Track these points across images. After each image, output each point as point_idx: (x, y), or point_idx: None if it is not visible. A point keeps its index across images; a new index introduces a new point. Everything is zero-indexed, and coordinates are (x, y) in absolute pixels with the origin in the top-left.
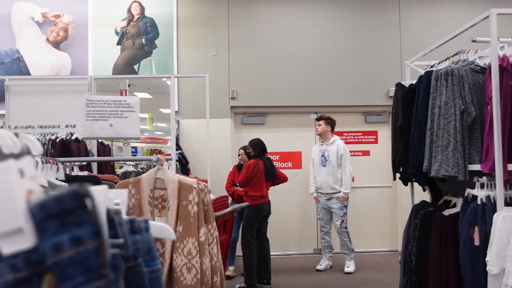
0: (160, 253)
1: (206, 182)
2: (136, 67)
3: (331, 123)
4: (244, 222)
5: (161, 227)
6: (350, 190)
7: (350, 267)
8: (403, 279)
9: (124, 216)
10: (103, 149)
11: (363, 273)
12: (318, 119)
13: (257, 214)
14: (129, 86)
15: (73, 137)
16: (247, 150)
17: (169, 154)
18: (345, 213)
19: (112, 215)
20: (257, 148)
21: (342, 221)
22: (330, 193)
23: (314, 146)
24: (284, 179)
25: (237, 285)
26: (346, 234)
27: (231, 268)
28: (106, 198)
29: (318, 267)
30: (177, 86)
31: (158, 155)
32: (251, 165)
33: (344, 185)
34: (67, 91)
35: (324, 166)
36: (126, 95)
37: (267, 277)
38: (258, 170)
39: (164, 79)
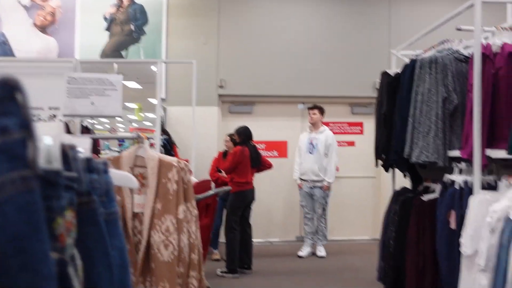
0: (138, 230)
1: (187, 162)
2: (124, 53)
3: (323, 112)
4: (228, 208)
5: (123, 175)
6: (334, 179)
7: (322, 252)
8: (381, 263)
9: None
10: (87, 133)
11: (344, 260)
12: (312, 108)
13: (241, 201)
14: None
15: (55, 119)
16: (233, 137)
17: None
18: (327, 202)
19: (67, 150)
20: (243, 136)
21: (324, 209)
22: (314, 181)
23: (302, 133)
24: (269, 166)
25: (218, 269)
26: (324, 221)
27: (216, 251)
28: (60, 132)
29: (300, 253)
30: (164, 73)
31: (139, 133)
32: (237, 152)
33: (329, 174)
34: (51, 74)
35: (311, 153)
36: None
37: (248, 262)
38: (244, 156)
39: (153, 67)
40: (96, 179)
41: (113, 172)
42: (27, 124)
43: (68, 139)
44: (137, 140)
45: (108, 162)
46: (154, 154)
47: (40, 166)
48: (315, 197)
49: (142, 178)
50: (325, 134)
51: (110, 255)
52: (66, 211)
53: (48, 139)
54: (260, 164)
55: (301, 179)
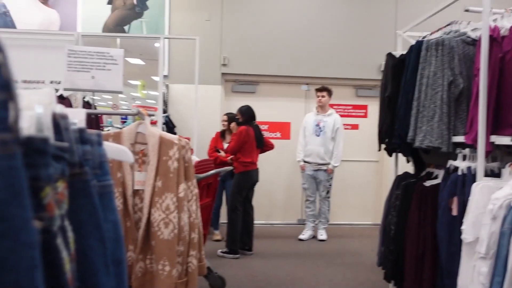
0: (139, 207)
1: (189, 140)
2: (126, 28)
3: (331, 94)
4: (233, 188)
5: (118, 148)
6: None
7: (323, 235)
8: (381, 248)
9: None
10: (88, 108)
11: (345, 244)
12: (321, 90)
13: (248, 180)
14: None
15: (57, 94)
16: (236, 117)
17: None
18: (331, 184)
19: (58, 119)
20: (246, 115)
21: (328, 191)
22: (318, 164)
23: (307, 114)
24: (270, 146)
25: (219, 250)
26: (328, 203)
27: (217, 232)
28: (52, 100)
29: (301, 236)
30: (167, 49)
31: (139, 109)
32: (242, 132)
33: (335, 158)
34: (53, 47)
35: (318, 136)
36: None
37: (249, 243)
38: (250, 136)
39: (156, 44)
40: (89, 150)
41: (108, 145)
42: (8, 85)
43: (60, 109)
44: (138, 116)
45: (102, 134)
46: (155, 131)
47: (29, 134)
48: (318, 180)
49: (142, 155)
50: (333, 118)
51: (102, 228)
52: (57, 182)
53: (38, 107)
54: (263, 145)
55: (305, 161)
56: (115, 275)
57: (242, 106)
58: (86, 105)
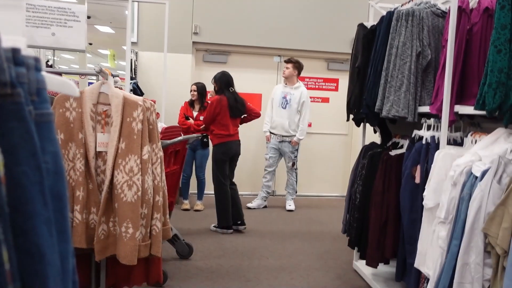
0: (102, 170)
1: (154, 102)
2: None
3: (298, 67)
4: (213, 164)
5: (61, 80)
6: (305, 136)
7: (291, 205)
8: (347, 216)
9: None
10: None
11: (311, 214)
12: (287, 62)
13: (224, 153)
14: (89, 17)
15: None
16: (214, 85)
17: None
18: (296, 156)
19: None
20: (219, 83)
21: (293, 163)
22: (283, 136)
23: (276, 86)
24: (256, 114)
25: (212, 225)
26: (295, 175)
27: (186, 201)
28: None
29: (249, 204)
30: (136, 15)
31: (101, 67)
32: (213, 103)
33: (300, 131)
34: (11, 6)
35: (284, 108)
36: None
37: (240, 217)
38: (222, 107)
39: (127, 12)
40: (24, 73)
41: (50, 77)
42: None
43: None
44: (100, 74)
45: (40, 59)
46: (118, 91)
47: None
48: (283, 151)
49: (105, 116)
50: (300, 91)
51: (38, 155)
52: None
53: None
54: (243, 113)
55: (271, 133)
56: (56, 210)
57: (217, 73)
58: (48, 67)
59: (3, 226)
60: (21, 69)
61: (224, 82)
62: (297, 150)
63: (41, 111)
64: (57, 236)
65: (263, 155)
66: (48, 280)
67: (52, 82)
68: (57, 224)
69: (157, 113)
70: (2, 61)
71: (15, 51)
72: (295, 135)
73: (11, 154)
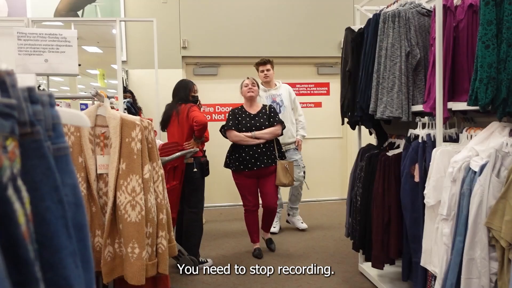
0: (104, 192)
1: (151, 121)
2: (80, 13)
3: (273, 65)
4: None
5: (72, 113)
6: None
7: (303, 223)
8: (349, 219)
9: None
10: None
11: (313, 219)
12: (265, 63)
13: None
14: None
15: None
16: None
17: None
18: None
19: (3, 76)
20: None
21: (304, 172)
22: (288, 143)
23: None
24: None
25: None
26: (301, 187)
27: None
28: None
29: (273, 229)
30: (124, 34)
31: (97, 90)
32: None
33: (302, 128)
34: (1, 34)
35: (280, 112)
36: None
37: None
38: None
39: (114, 31)
40: (40, 110)
41: (62, 110)
42: None
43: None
44: (96, 97)
45: (53, 95)
46: (115, 112)
47: None
48: (294, 161)
49: (104, 138)
50: (285, 88)
51: (60, 190)
52: (7, 140)
53: None
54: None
55: None
56: (78, 240)
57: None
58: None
59: (38, 264)
60: (37, 107)
61: (174, 93)
62: (300, 153)
63: (57, 146)
64: (81, 266)
65: None
66: None
67: (64, 116)
68: (81, 255)
69: (155, 131)
70: (21, 102)
71: (30, 90)
72: (299, 132)
73: (35, 191)
